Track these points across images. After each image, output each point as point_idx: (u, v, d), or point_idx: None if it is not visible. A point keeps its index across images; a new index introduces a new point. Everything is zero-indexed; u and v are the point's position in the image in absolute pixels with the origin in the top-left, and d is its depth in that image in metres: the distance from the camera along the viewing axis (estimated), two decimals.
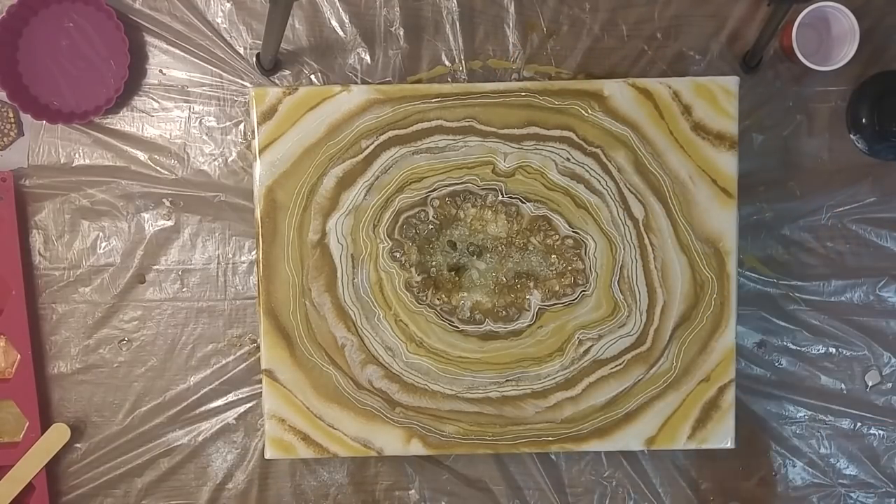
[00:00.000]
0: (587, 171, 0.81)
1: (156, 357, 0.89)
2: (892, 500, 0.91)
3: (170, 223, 0.89)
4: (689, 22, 0.89)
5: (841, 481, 0.91)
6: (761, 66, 0.88)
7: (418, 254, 0.81)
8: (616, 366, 0.81)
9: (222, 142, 0.88)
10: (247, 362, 0.89)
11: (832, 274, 0.90)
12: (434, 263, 0.82)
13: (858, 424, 0.91)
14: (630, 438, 0.82)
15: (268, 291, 0.81)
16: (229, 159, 0.89)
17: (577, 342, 0.81)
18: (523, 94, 0.80)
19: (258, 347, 0.84)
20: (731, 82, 0.80)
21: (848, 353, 0.91)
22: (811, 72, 0.86)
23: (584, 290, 0.81)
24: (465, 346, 0.81)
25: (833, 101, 0.90)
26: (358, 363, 0.81)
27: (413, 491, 0.89)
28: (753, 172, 0.89)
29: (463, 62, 0.88)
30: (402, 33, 0.88)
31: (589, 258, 0.81)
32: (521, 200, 0.81)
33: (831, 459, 0.91)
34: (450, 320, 0.81)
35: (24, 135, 0.88)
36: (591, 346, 0.81)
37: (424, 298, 0.81)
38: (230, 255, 0.89)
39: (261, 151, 0.80)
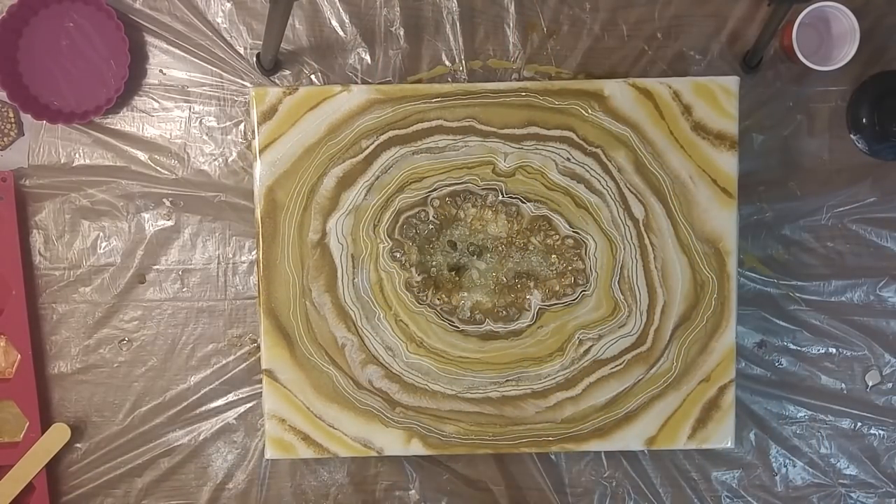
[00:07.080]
0: (587, 170, 0.81)
1: (156, 357, 0.89)
2: (893, 500, 0.91)
3: (170, 223, 0.89)
4: (690, 22, 0.89)
5: (841, 481, 0.91)
6: (761, 66, 0.88)
7: (418, 254, 0.81)
8: (616, 366, 0.81)
9: (222, 142, 0.88)
10: (247, 362, 0.89)
11: (832, 274, 0.90)
12: (434, 263, 0.82)
13: (859, 424, 0.91)
14: (630, 438, 0.82)
15: (268, 291, 0.81)
16: (229, 159, 0.88)
17: (577, 342, 0.81)
18: (523, 93, 0.80)
19: (258, 347, 0.84)
20: (732, 82, 0.80)
21: (848, 353, 0.91)
22: (811, 72, 0.86)
23: (584, 290, 0.81)
24: (466, 346, 0.81)
25: (833, 101, 0.90)
26: (358, 363, 0.81)
27: (413, 491, 0.89)
28: (753, 172, 0.89)
29: (463, 62, 0.88)
30: (402, 33, 0.88)
31: (589, 258, 0.81)
32: (521, 200, 0.81)
33: (831, 459, 0.91)
34: (450, 320, 0.81)
35: (24, 135, 0.88)
36: (591, 346, 0.81)
37: (424, 298, 0.81)
38: (230, 255, 0.89)
39: (261, 151, 0.80)
